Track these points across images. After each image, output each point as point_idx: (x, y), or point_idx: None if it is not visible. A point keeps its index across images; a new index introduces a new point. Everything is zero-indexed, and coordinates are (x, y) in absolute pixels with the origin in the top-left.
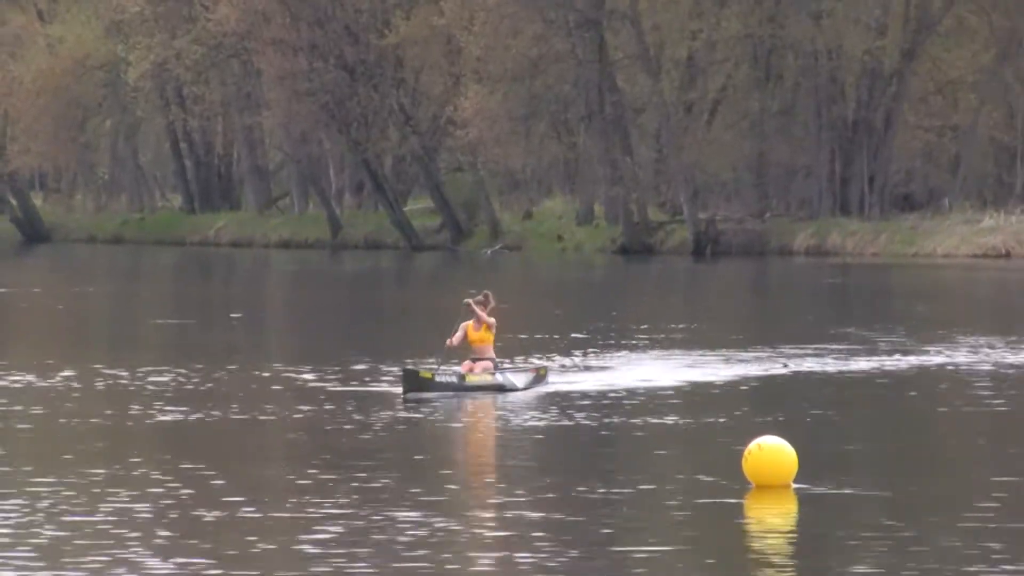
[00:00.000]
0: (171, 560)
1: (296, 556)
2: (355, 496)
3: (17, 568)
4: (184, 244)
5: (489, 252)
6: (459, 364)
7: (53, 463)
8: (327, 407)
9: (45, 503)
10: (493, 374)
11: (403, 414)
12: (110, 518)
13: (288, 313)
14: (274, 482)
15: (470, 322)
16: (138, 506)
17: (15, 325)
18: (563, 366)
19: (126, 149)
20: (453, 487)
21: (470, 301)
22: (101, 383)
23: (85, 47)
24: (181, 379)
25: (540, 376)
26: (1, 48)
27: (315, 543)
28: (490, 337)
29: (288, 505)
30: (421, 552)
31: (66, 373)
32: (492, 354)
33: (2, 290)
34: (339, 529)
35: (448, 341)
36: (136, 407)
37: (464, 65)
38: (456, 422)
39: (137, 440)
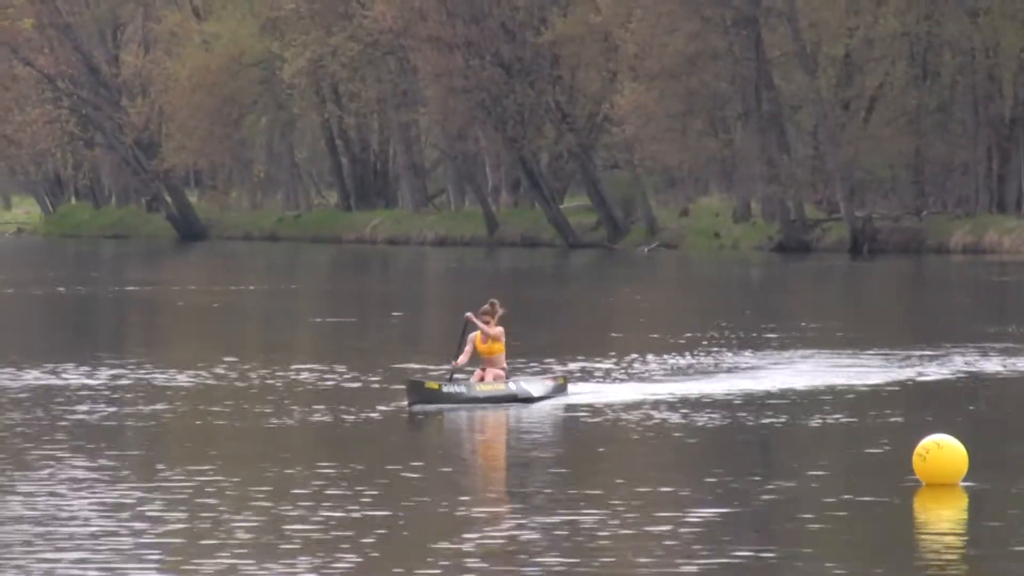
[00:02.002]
0: (316, 559)
1: (457, 555)
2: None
3: (159, 570)
4: (340, 242)
5: (646, 249)
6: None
7: (205, 462)
8: (483, 406)
9: (190, 502)
10: (505, 382)
11: (568, 412)
12: (250, 520)
13: (447, 311)
14: (425, 481)
15: (477, 333)
16: (282, 508)
17: (172, 323)
18: (718, 365)
19: (282, 146)
20: (628, 484)
21: (470, 315)
22: (258, 381)
23: (241, 44)
24: (339, 377)
25: (560, 385)
26: (157, 45)
27: (508, 541)
28: (499, 347)
29: (444, 504)
30: (605, 551)
31: (222, 371)
32: (503, 363)
33: (159, 288)
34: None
35: (454, 361)
36: (293, 406)
37: (620, 62)
38: (604, 418)
39: (290, 440)
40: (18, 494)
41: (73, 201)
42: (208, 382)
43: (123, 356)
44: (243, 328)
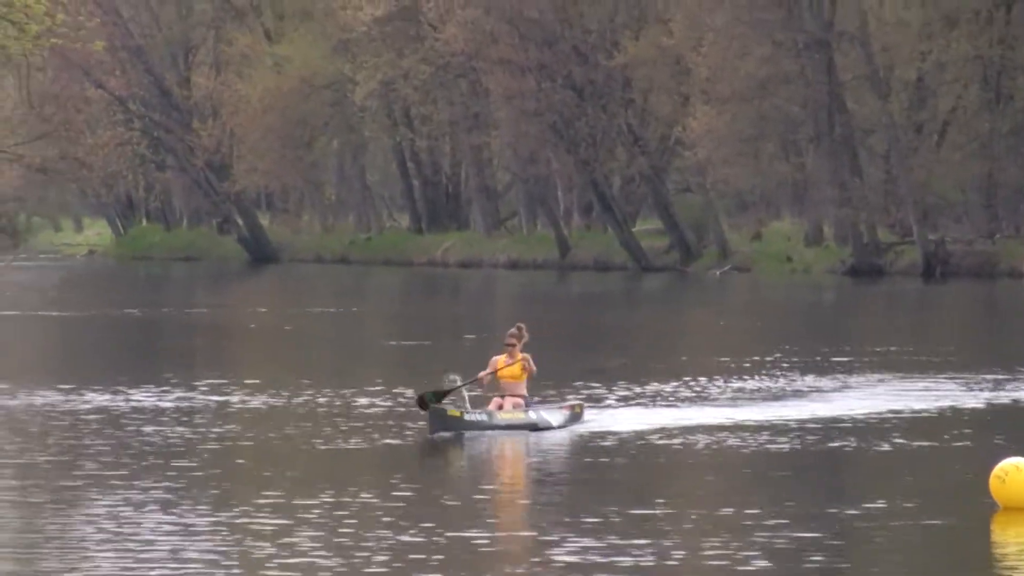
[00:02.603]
0: None
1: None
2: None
3: None
4: (411, 264)
5: (718, 273)
6: (488, 404)
7: (274, 485)
8: (557, 432)
9: (257, 525)
10: (525, 411)
11: (637, 435)
12: (316, 544)
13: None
14: (494, 505)
15: (502, 356)
16: (346, 531)
17: (244, 346)
18: (790, 388)
19: (353, 169)
20: (699, 507)
21: (483, 376)
22: (330, 404)
23: (312, 66)
24: (411, 401)
25: (576, 414)
26: (228, 68)
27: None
28: (521, 373)
29: (519, 527)
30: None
31: (294, 394)
32: (523, 390)
33: (230, 310)
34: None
35: (481, 376)
36: (366, 429)
37: (692, 85)
38: (675, 441)
39: (359, 463)
40: (89, 515)
41: (144, 223)
42: (280, 405)
43: (195, 379)
44: (316, 351)
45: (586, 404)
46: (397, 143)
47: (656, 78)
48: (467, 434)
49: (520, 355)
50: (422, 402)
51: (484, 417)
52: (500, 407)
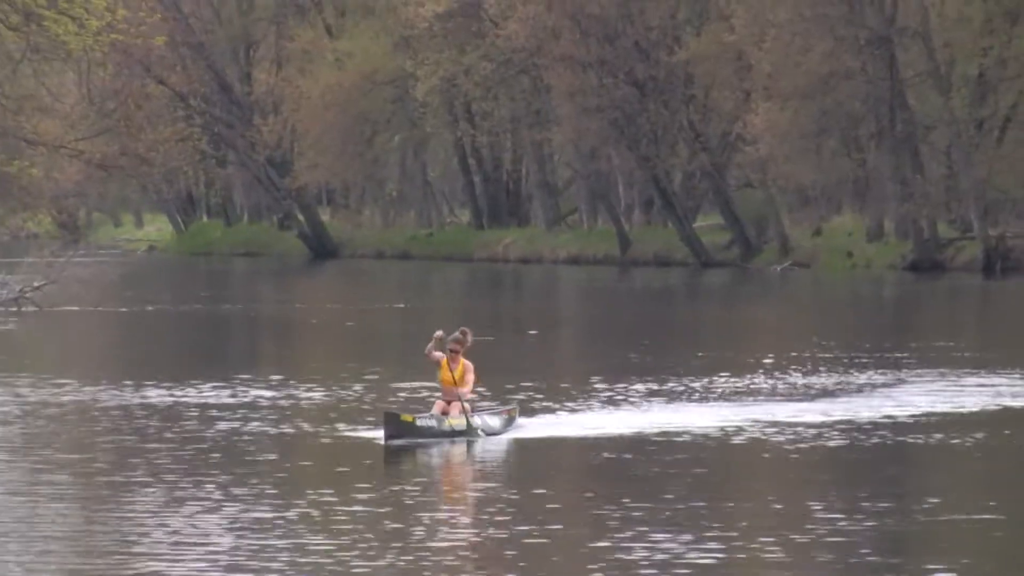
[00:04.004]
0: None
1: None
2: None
3: None
4: (472, 260)
5: (779, 268)
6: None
7: (334, 481)
8: (630, 430)
9: (316, 519)
10: (471, 416)
11: (697, 431)
12: (376, 540)
13: (582, 330)
14: (569, 503)
15: (445, 357)
16: (403, 525)
17: (306, 341)
18: (850, 384)
19: (414, 164)
20: (762, 502)
21: (440, 334)
22: (395, 399)
23: (373, 62)
24: (476, 395)
25: (511, 418)
26: (290, 63)
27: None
28: (467, 378)
29: (592, 523)
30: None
31: (357, 390)
32: (468, 396)
33: (292, 306)
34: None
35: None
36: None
37: (754, 81)
38: (738, 437)
39: (420, 459)
40: (148, 510)
41: (205, 219)
42: (343, 400)
43: (258, 374)
44: (378, 347)
45: (519, 408)
46: (458, 139)
47: (718, 74)
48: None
49: (464, 363)
50: (388, 420)
51: (434, 423)
52: (445, 412)
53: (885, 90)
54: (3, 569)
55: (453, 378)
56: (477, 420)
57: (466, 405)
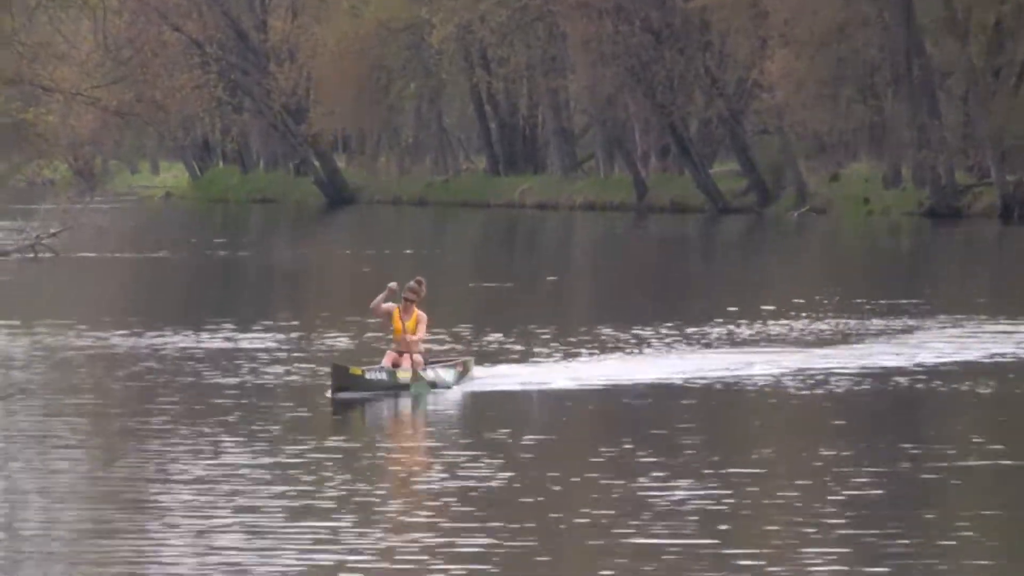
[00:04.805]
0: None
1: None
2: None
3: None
4: (488, 207)
5: (795, 215)
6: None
7: (344, 431)
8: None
9: (328, 471)
10: (424, 370)
11: (709, 382)
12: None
13: (601, 276)
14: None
15: (397, 307)
16: (427, 477)
17: (322, 288)
18: (867, 332)
19: (430, 112)
20: (788, 452)
21: (394, 285)
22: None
23: (389, 10)
24: (501, 339)
25: (466, 370)
26: (305, 11)
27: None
28: (419, 329)
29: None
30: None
31: (374, 335)
32: (420, 347)
33: (308, 252)
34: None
35: (373, 304)
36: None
37: (770, 28)
38: (749, 386)
39: (440, 406)
40: (162, 457)
41: (221, 166)
42: (361, 347)
43: (274, 320)
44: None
45: (474, 360)
46: (474, 86)
47: (734, 21)
48: (368, 395)
49: (418, 313)
50: (336, 373)
51: (384, 376)
52: (396, 364)
53: (901, 37)
54: (20, 514)
55: (404, 328)
56: (429, 373)
57: (417, 357)
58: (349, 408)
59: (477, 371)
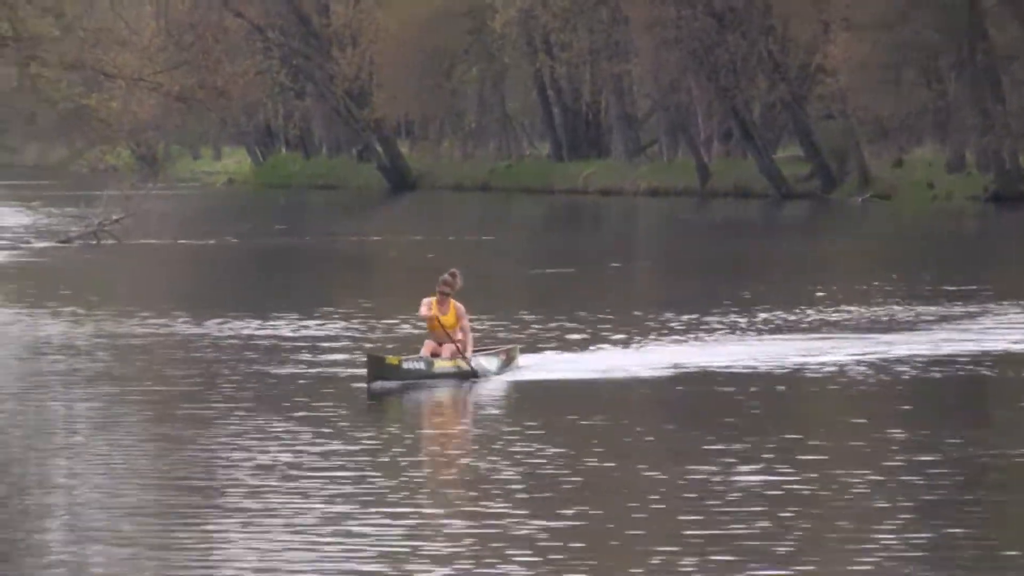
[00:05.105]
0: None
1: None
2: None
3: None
4: (552, 192)
5: (859, 200)
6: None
7: (395, 419)
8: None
9: (378, 456)
10: (464, 357)
11: (765, 365)
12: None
13: (664, 262)
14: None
15: (433, 299)
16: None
17: (385, 274)
18: (929, 316)
19: (493, 96)
20: (851, 438)
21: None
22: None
23: None
24: (561, 328)
25: (510, 359)
26: None
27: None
28: (455, 322)
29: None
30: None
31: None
32: (458, 336)
33: (372, 238)
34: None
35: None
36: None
37: (833, 12)
38: (811, 370)
39: (515, 393)
40: (224, 443)
41: (283, 152)
42: (424, 333)
43: (338, 307)
44: (464, 279)
45: (521, 348)
46: (537, 71)
47: (796, 4)
48: (406, 384)
49: (455, 305)
50: (372, 362)
51: (422, 365)
52: (435, 353)
53: (964, 20)
54: (82, 499)
55: (440, 321)
56: (472, 362)
57: (459, 346)
58: (401, 397)
59: (532, 359)
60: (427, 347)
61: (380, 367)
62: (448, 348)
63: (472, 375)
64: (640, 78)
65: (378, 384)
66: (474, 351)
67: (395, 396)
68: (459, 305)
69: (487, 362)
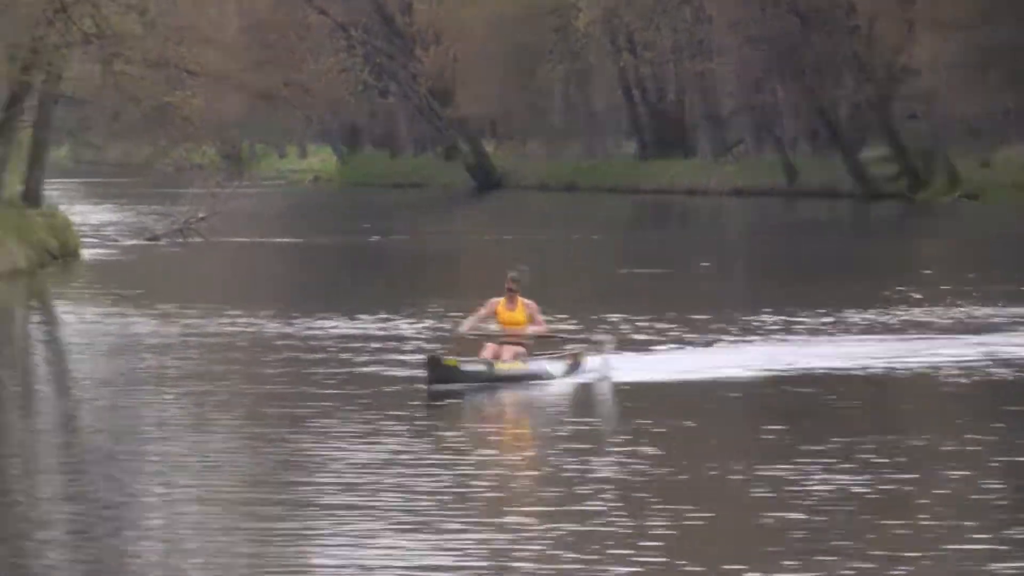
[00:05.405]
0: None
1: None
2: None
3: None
4: (637, 191)
5: (947, 200)
6: (482, 351)
7: (487, 419)
8: (800, 361)
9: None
10: (526, 361)
11: (846, 366)
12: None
13: (751, 261)
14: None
15: (501, 300)
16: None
17: (471, 273)
18: (1021, 320)
19: (578, 96)
20: (945, 440)
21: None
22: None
23: None
24: (657, 330)
25: (577, 363)
26: None
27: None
28: (523, 319)
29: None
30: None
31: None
32: (524, 338)
33: (458, 236)
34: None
35: (462, 327)
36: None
37: (918, 12)
38: (899, 371)
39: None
40: (311, 442)
41: (369, 150)
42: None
43: (427, 305)
44: (552, 279)
45: (586, 351)
46: (621, 70)
47: (881, 4)
48: (465, 386)
49: (524, 303)
50: (431, 364)
51: (483, 368)
52: (497, 356)
53: None
54: (175, 496)
55: (510, 319)
56: (532, 365)
57: (520, 348)
58: (483, 398)
59: (621, 360)
60: (488, 349)
61: (439, 369)
62: (510, 350)
63: (534, 378)
64: (725, 77)
65: (437, 386)
66: (538, 354)
67: (481, 397)
68: (529, 302)
69: (551, 366)
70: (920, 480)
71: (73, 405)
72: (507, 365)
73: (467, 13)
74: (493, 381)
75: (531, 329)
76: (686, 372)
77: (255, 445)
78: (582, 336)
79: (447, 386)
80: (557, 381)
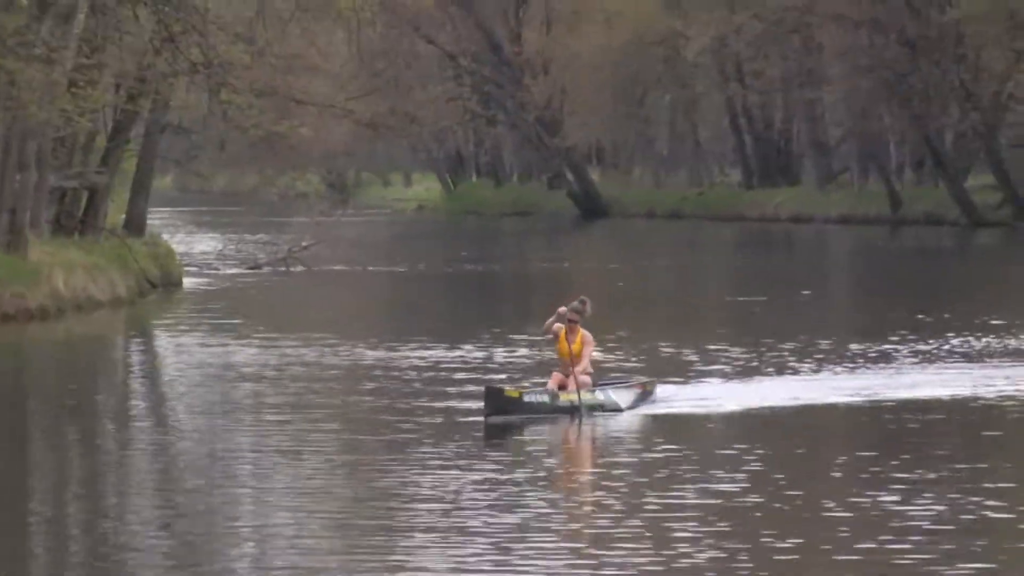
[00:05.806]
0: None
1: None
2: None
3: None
4: (743, 219)
5: None
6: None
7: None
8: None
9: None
10: (592, 391)
11: (938, 393)
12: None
13: (854, 290)
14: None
15: (564, 328)
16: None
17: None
18: None
19: (685, 124)
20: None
21: (563, 310)
22: (674, 361)
23: (643, 21)
24: (754, 356)
25: (646, 392)
26: (559, 23)
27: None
28: (581, 351)
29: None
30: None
31: (635, 350)
32: (589, 368)
33: (564, 265)
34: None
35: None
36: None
37: None
38: (991, 399)
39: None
40: (410, 470)
41: (474, 178)
42: (622, 360)
43: (530, 333)
44: (654, 307)
45: (659, 381)
46: (729, 99)
47: (989, 33)
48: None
49: (583, 333)
50: (490, 395)
51: (545, 399)
52: (563, 386)
53: None
54: (270, 520)
55: (570, 350)
56: (599, 395)
57: (584, 379)
58: (563, 427)
59: (715, 388)
60: (554, 379)
61: (499, 400)
62: (574, 380)
63: (599, 409)
64: (832, 105)
65: (496, 418)
66: (604, 383)
67: (557, 428)
68: (587, 333)
69: (618, 395)
70: (1012, 507)
71: (171, 432)
72: (571, 395)
73: (575, 42)
74: (556, 412)
75: (578, 367)
76: (781, 399)
77: (350, 472)
78: (625, 383)
79: (505, 418)
80: (625, 412)
